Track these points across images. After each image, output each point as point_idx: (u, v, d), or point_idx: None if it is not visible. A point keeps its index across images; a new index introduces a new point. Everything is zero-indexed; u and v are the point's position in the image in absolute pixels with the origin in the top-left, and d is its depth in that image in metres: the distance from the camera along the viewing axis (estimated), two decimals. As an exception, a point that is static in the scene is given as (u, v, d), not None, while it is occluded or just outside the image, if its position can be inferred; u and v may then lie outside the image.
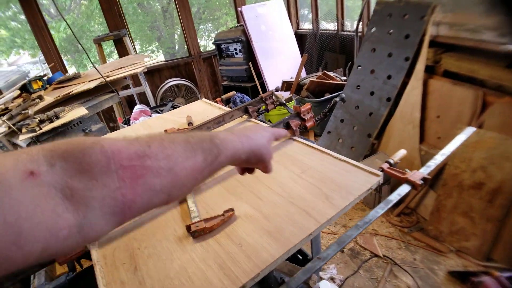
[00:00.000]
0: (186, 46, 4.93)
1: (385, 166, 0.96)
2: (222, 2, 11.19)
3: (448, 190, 2.04)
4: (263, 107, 1.51)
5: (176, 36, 11.91)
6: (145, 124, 1.71)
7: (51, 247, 0.28)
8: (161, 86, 4.57)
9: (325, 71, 3.51)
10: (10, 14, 9.58)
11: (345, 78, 3.47)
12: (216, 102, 1.78)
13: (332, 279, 2.03)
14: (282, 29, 4.38)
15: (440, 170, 2.11)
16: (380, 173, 0.91)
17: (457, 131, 1.12)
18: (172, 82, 4.54)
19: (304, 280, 0.68)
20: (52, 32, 4.35)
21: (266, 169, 0.61)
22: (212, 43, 4.61)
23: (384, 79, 2.51)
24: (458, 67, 2.15)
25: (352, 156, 2.45)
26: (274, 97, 1.50)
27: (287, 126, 1.18)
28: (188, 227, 0.79)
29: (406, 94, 2.38)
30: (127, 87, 4.22)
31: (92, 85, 2.06)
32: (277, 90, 1.51)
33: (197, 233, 0.78)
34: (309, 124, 1.23)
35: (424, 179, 0.91)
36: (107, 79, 2.15)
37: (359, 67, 2.77)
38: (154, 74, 4.74)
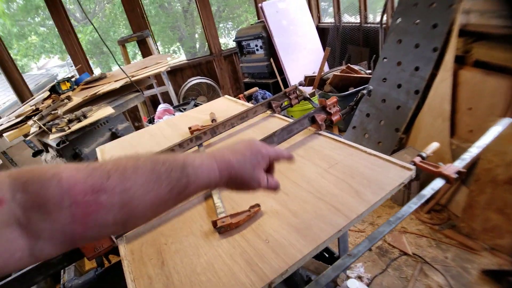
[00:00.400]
0: (207, 45, 4.96)
1: (417, 160, 0.92)
2: (242, 0, 11.20)
3: (481, 185, 1.93)
4: (286, 102, 1.48)
5: (196, 36, 12.05)
6: (170, 122, 1.73)
7: (8, 265, 0.32)
8: (184, 85, 4.63)
9: (349, 64, 3.42)
10: (39, 19, 10.01)
11: (370, 71, 3.37)
12: (239, 98, 1.77)
13: (359, 277, 1.98)
14: (303, 23, 4.31)
15: (472, 165, 2.00)
16: (413, 167, 0.87)
17: (490, 124, 1.05)
18: (194, 80, 4.59)
19: (333, 277, 0.65)
20: (79, 35, 4.50)
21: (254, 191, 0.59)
22: (233, 41, 4.61)
23: (412, 71, 2.42)
24: (490, 57, 2.03)
25: (379, 152, 2.38)
26: (297, 92, 1.47)
27: (313, 120, 1.15)
28: (214, 223, 0.78)
29: (435, 86, 2.28)
30: (151, 86, 4.30)
31: (118, 85, 2.11)
32: (300, 84, 1.47)
33: (223, 229, 0.78)
34: (335, 118, 1.19)
35: (459, 172, 0.86)
36: (132, 78, 2.19)
37: (385, 60, 2.67)
38: (176, 73, 4.80)
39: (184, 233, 0.82)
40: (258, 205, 0.82)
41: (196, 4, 4.62)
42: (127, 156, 0.42)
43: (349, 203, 0.78)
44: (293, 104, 1.46)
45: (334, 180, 0.88)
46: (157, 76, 4.25)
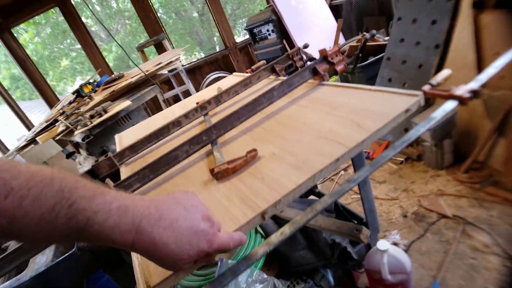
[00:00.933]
0: (221, 39, 5.00)
1: (427, 87, 0.85)
2: (254, -6, 11.20)
3: (521, 134, 1.77)
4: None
5: (215, 39, 12.21)
6: (181, 104, 1.76)
7: None
8: (203, 81, 4.69)
9: (364, 33, 3.28)
10: (66, 45, 10.67)
11: (388, 37, 3.22)
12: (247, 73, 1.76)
13: (395, 244, 1.89)
14: (313, 1, 4.20)
15: (506, 114, 1.83)
16: (419, 92, 0.80)
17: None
18: (213, 76, 4.64)
19: (330, 203, 0.61)
20: (104, 53, 4.74)
21: None
22: (244, 29, 4.60)
23: (428, 25, 2.26)
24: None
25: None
26: (302, 54, 1.42)
27: (314, 71, 1.11)
28: (212, 170, 0.77)
29: (455, 37, 2.11)
30: (171, 87, 4.40)
31: (133, 79, 2.18)
32: (305, 47, 1.43)
33: (220, 175, 0.76)
34: (339, 67, 1.13)
35: (473, 91, 0.78)
36: (147, 72, 2.25)
37: (399, 20, 2.53)
38: (195, 71, 4.88)
39: (185, 186, 0.82)
40: (254, 150, 0.79)
41: (207, 2, 4.67)
42: (41, 174, 0.36)
43: (350, 135, 0.73)
44: (298, 66, 1.42)
45: (336, 120, 0.83)
46: (177, 76, 4.35)
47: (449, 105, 0.77)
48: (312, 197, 1.82)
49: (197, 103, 1.44)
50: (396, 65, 2.54)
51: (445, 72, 0.90)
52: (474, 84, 0.80)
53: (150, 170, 0.90)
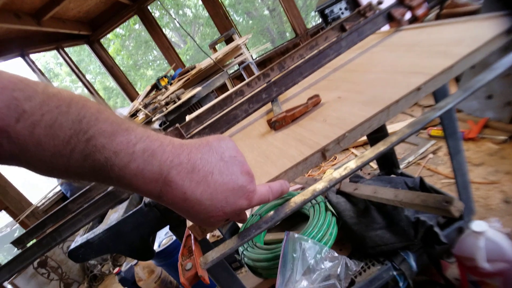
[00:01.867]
0: (291, 27, 4.90)
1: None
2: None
3: None
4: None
5: (287, 34, 12.20)
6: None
7: None
8: (274, 73, 4.67)
9: None
10: (152, 57, 11.85)
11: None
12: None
13: (497, 234, 1.58)
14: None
15: None
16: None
17: None
18: (284, 66, 4.58)
19: (408, 134, 0.49)
20: (180, 56, 5.10)
21: None
22: (315, 11, 4.40)
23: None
24: None
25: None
26: (374, 9, 1.27)
27: (389, 17, 0.96)
28: (269, 120, 0.71)
29: None
30: (242, 79, 4.48)
31: (202, 66, 2.26)
32: (379, 3, 1.27)
33: (278, 123, 0.69)
34: (419, 12, 0.97)
35: None
36: (215, 60, 2.31)
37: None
38: (265, 63, 4.89)
39: (242, 140, 0.78)
40: (317, 95, 0.70)
41: (276, -8, 4.64)
42: (58, 98, 0.30)
43: (433, 64, 0.59)
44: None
45: (415, 55, 0.69)
46: (248, 69, 4.41)
47: None
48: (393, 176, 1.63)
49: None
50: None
51: None
52: None
53: (210, 130, 0.88)
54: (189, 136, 1.15)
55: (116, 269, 1.89)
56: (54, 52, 4.26)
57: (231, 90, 1.18)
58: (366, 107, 0.56)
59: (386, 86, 0.60)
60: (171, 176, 0.33)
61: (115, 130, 0.32)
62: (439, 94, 0.90)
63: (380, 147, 0.49)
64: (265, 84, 1.20)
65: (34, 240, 0.94)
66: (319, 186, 0.46)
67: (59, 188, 2.85)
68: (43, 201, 2.83)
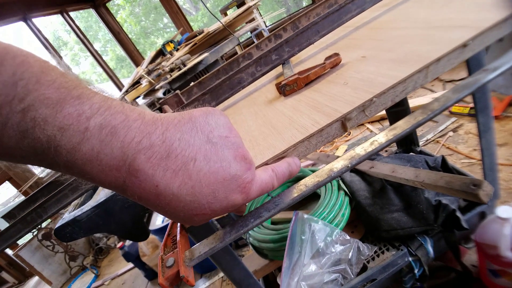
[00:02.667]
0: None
1: None
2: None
3: None
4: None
5: (304, 3, 11.74)
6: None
7: None
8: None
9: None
10: (162, 25, 11.57)
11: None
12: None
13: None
14: None
15: None
16: None
17: None
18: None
19: (454, 100, 0.38)
20: (192, 23, 4.89)
21: None
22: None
23: None
24: None
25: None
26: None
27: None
28: (279, 83, 0.60)
29: None
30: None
31: (211, 29, 2.12)
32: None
33: (289, 88, 0.58)
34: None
35: None
36: (225, 23, 2.16)
37: None
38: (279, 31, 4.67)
39: (246, 108, 0.67)
40: (336, 54, 0.58)
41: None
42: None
43: (481, 17, 0.46)
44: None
45: (454, 10, 0.56)
46: (260, 36, 4.20)
47: None
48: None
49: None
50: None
51: None
52: None
53: (211, 96, 0.77)
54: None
55: (120, 244, 1.87)
56: (62, 19, 4.12)
57: (239, 53, 1.06)
58: (398, 66, 0.45)
59: (422, 43, 0.48)
60: (137, 163, 0.24)
61: (63, 98, 0.22)
62: (474, 63, 0.77)
63: (418, 116, 0.38)
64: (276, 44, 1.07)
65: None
66: (338, 165, 0.35)
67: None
68: (48, 170, 2.80)
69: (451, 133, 2.04)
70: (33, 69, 0.22)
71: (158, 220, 1.78)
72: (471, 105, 1.93)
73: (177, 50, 2.51)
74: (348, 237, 0.98)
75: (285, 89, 0.58)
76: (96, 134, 0.23)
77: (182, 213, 0.27)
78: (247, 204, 0.32)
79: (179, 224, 0.42)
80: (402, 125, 0.37)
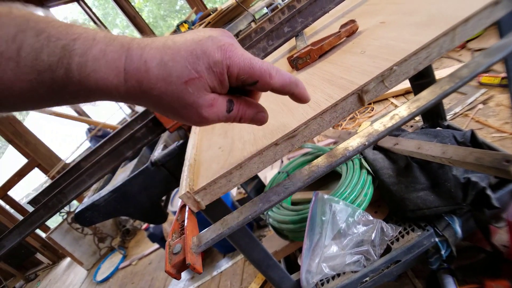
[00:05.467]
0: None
1: None
2: None
3: None
4: None
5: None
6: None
7: None
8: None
9: None
10: (178, 7, 11.46)
11: None
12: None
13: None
14: None
15: None
16: None
17: None
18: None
19: (488, 63, 0.33)
20: (206, 2, 4.76)
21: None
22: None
23: None
24: None
25: None
26: None
27: None
28: (290, 57, 0.55)
29: None
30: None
31: (223, 6, 2.07)
32: None
33: (301, 61, 0.54)
34: None
35: None
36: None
37: None
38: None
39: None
40: (352, 21, 0.53)
41: None
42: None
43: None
44: None
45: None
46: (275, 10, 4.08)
47: None
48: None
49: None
50: None
51: None
52: None
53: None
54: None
55: (145, 225, 1.91)
56: (80, 8, 4.14)
57: (251, 28, 1.01)
58: (421, 30, 0.39)
59: (448, 2, 0.42)
60: (132, 48, 0.29)
61: (70, 26, 0.28)
62: (507, 23, 0.69)
63: (445, 85, 0.34)
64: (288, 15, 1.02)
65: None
66: (353, 143, 0.32)
67: (88, 143, 2.90)
68: (73, 157, 2.91)
69: (480, 106, 1.92)
70: (67, 39, 0.27)
71: (180, 201, 1.80)
72: (503, 74, 1.79)
73: (191, 29, 2.46)
74: (371, 218, 0.94)
75: (297, 63, 0.53)
76: (102, 39, 0.28)
77: (173, 85, 0.29)
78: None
79: (187, 208, 0.40)
80: (427, 96, 0.32)
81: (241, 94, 0.34)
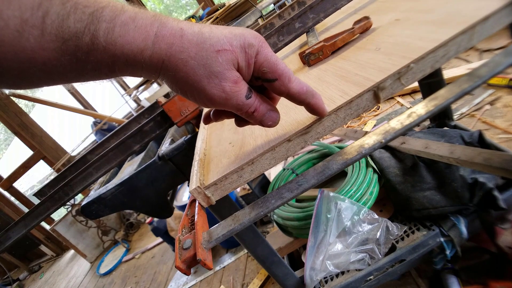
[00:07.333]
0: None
1: None
2: None
3: None
4: None
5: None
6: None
7: None
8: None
9: None
10: (184, 2, 11.38)
11: None
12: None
13: None
14: None
15: None
16: None
17: None
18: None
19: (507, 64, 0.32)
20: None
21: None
22: None
23: None
24: None
25: None
26: None
27: None
28: (302, 52, 0.55)
29: None
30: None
31: (231, 2, 2.06)
32: None
33: (314, 56, 0.53)
34: None
35: None
36: (246, -4, 2.08)
37: None
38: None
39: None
40: (366, 17, 0.53)
41: None
42: None
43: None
44: None
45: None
46: (283, 7, 4.05)
47: None
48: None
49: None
50: None
51: None
52: None
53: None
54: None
55: (149, 219, 1.92)
56: None
57: (260, 24, 1.00)
58: (438, 28, 0.39)
59: (465, 1, 0.41)
60: (165, 19, 0.29)
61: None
62: None
63: (463, 84, 0.33)
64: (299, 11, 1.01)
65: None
66: (369, 140, 0.32)
67: (93, 137, 2.92)
68: (78, 149, 2.92)
69: (488, 106, 1.90)
70: (96, 4, 0.26)
71: (184, 196, 1.81)
72: (511, 75, 1.77)
73: (198, 25, 2.45)
74: (376, 216, 0.94)
75: (310, 58, 0.53)
76: (131, 9, 0.28)
77: (205, 51, 0.29)
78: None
79: (197, 203, 0.40)
80: (445, 94, 0.32)
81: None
